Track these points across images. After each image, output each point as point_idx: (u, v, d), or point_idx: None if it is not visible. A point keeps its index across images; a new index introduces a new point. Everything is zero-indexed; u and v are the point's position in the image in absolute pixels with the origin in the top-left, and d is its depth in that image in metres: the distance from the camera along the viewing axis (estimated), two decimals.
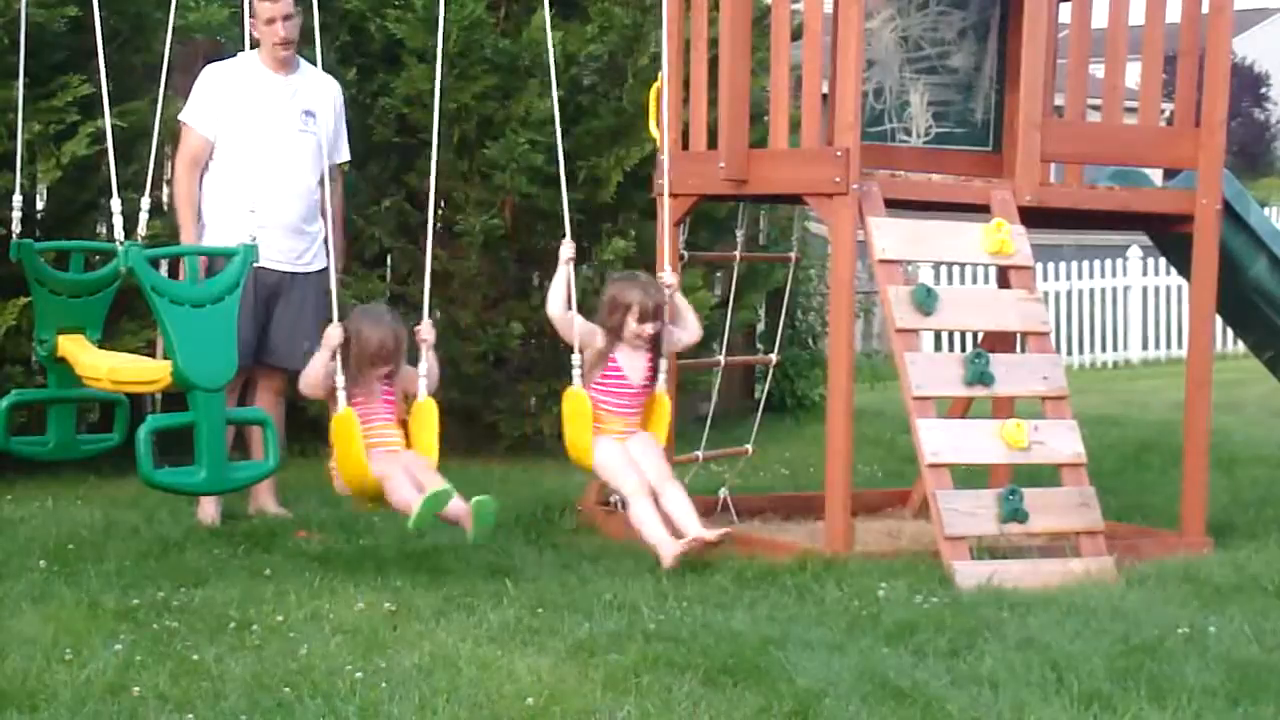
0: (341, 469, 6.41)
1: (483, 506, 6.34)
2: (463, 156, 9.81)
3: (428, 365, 6.55)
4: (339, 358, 6.41)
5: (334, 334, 6.43)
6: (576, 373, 6.66)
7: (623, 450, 6.77)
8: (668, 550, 6.55)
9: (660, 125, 7.65)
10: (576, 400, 6.67)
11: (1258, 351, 8.62)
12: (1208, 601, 6.15)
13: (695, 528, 6.62)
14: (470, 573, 6.54)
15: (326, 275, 7.95)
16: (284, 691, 4.88)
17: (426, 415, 6.53)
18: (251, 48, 7.52)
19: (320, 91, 7.58)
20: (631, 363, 6.83)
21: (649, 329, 6.76)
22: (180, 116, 7.57)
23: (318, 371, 6.45)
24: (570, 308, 6.73)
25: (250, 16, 7.40)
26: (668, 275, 6.93)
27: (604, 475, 6.86)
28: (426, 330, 6.60)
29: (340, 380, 6.39)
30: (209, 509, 7.53)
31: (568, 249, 6.73)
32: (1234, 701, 4.90)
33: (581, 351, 6.69)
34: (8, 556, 6.69)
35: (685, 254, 7.88)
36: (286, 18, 7.50)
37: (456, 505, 6.37)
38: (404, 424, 6.59)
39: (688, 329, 6.93)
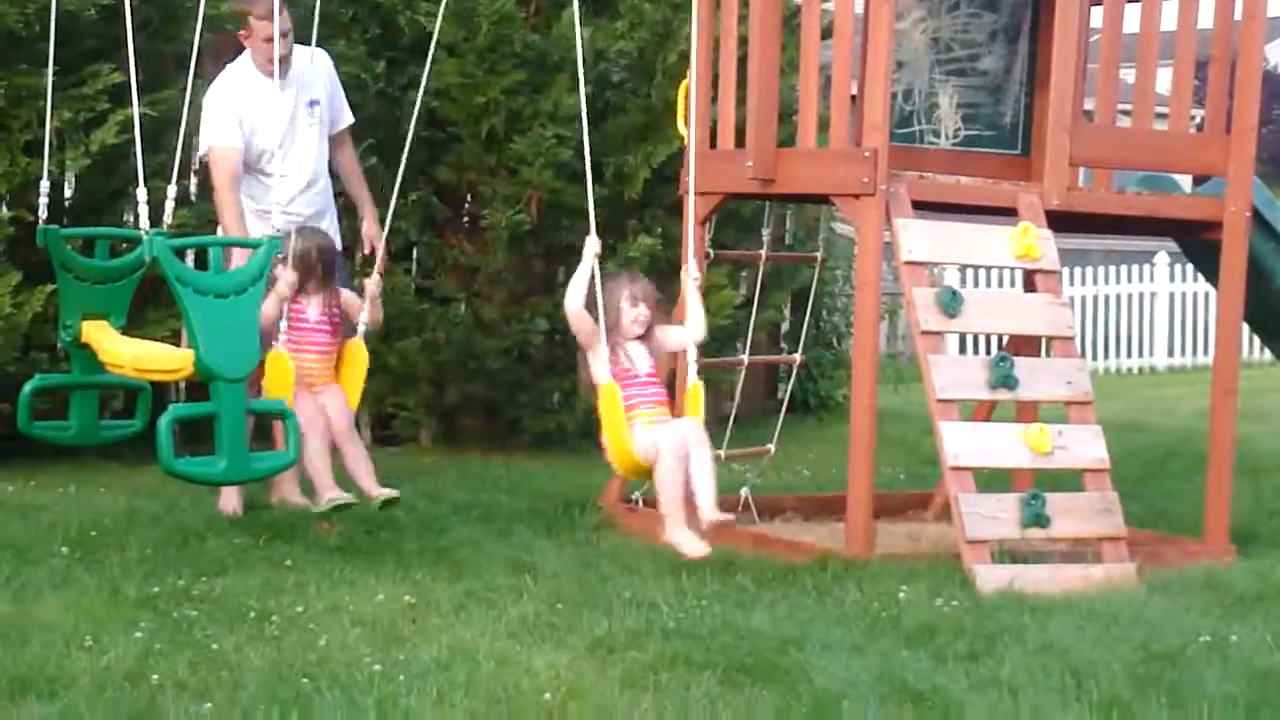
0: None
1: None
2: (490, 151, 9.81)
3: (370, 314, 7.05)
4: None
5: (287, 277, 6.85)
6: (604, 367, 6.51)
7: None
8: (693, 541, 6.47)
9: (688, 123, 7.64)
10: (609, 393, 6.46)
11: None
12: (1230, 609, 6.12)
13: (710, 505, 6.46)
14: (490, 567, 6.54)
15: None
16: (302, 682, 4.88)
17: (355, 355, 7.02)
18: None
19: (314, 75, 7.69)
20: (634, 354, 6.65)
21: (643, 311, 6.62)
22: (206, 144, 7.54)
23: (267, 312, 6.70)
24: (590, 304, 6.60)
25: (244, 30, 7.44)
26: (693, 269, 6.76)
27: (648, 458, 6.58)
28: (373, 284, 7.10)
29: (283, 324, 6.75)
30: (231, 499, 7.55)
31: (594, 244, 6.52)
32: (1255, 711, 4.87)
33: (583, 351, 6.61)
34: (30, 543, 6.72)
35: (711, 252, 7.87)
36: (284, 34, 7.47)
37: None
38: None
39: (692, 327, 6.71)
